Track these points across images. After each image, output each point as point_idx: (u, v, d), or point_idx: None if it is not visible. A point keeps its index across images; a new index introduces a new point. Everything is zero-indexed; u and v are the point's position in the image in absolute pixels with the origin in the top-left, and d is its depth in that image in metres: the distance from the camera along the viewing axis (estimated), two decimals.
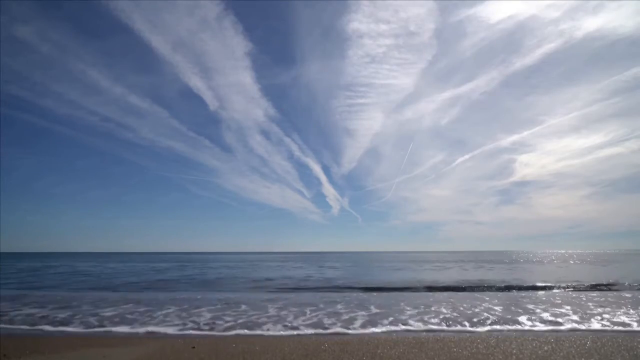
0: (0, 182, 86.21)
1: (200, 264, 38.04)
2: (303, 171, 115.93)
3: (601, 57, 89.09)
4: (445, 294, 12.34)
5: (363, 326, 7.25)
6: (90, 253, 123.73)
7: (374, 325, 7.31)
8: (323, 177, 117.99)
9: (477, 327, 7.15)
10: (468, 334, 6.46)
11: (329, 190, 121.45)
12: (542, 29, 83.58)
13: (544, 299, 11.05)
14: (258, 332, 6.80)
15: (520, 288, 13.59)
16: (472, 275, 20.61)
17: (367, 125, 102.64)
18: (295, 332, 6.72)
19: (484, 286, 14.04)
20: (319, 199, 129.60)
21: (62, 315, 8.48)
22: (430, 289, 13.58)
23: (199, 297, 11.63)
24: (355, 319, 7.92)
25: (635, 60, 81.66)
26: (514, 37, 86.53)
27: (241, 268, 30.24)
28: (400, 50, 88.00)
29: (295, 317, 8.10)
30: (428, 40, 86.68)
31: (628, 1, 73.23)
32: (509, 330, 6.83)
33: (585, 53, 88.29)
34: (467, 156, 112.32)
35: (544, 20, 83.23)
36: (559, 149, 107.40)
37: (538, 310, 8.88)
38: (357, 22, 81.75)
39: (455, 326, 7.18)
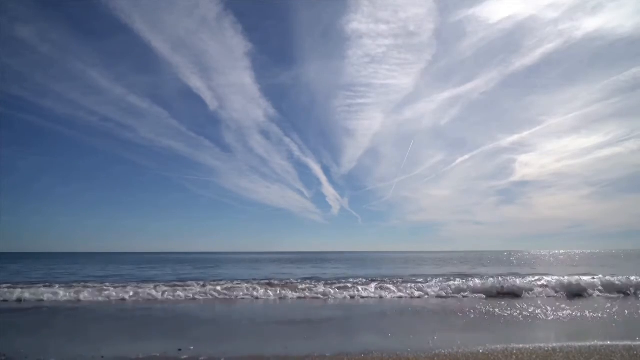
0: (0, 182, 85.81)
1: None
2: (303, 171, 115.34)
3: (601, 57, 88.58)
4: None
5: None
6: (90, 253, 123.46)
7: None
8: (323, 177, 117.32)
9: None
10: None
11: (328, 190, 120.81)
12: (542, 29, 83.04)
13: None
14: None
15: None
16: None
17: (367, 125, 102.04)
18: None
19: None
20: (319, 199, 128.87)
21: None
22: None
23: None
24: None
25: (635, 60, 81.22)
26: (514, 37, 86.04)
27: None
28: (400, 50, 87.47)
29: None
30: (428, 40, 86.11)
31: (627, 1, 72.90)
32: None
33: (584, 53, 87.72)
34: (467, 156, 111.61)
35: (543, 21, 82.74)
36: (558, 149, 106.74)
37: None
38: (357, 22, 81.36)
39: None
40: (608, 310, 9.01)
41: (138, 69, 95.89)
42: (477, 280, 13.90)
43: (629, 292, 12.34)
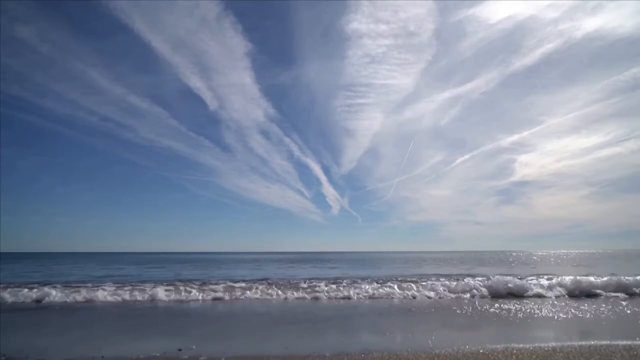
0: (0, 182, 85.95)
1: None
2: (303, 171, 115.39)
3: (601, 57, 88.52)
4: None
5: None
6: (90, 253, 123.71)
7: None
8: (323, 177, 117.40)
9: None
10: None
11: (328, 190, 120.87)
12: (542, 29, 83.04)
13: None
14: None
15: None
16: None
17: (367, 125, 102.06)
18: None
19: None
20: (319, 199, 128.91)
21: None
22: None
23: None
24: None
25: (635, 60, 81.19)
26: (514, 37, 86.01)
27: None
28: (399, 50, 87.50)
29: None
30: (428, 40, 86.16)
31: (627, 1, 72.92)
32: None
33: (584, 53, 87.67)
34: (467, 156, 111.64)
35: (543, 21, 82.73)
36: (558, 149, 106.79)
37: None
38: (357, 22, 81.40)
39: None
40: (609, 310, 9.01)
41: (138, 69, 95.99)
42: (477, 280, 13.89)
43: (630, 291, 12.32)
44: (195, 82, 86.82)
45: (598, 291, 12.25)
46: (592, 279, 13.38)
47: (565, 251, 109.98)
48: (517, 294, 12.02)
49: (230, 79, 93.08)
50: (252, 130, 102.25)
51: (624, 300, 10.91)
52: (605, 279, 13.42)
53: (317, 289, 12.93)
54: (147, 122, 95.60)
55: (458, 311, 9.17)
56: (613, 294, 12.04)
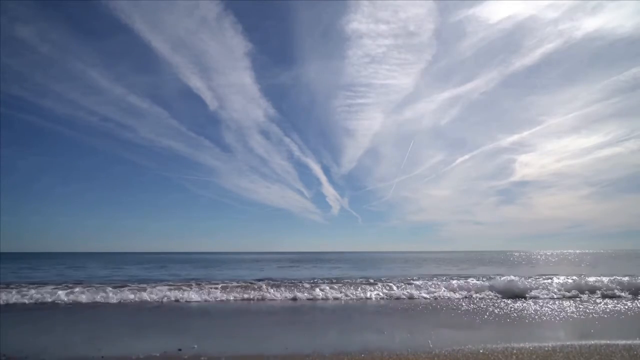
0: (0, 182, 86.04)
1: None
2: (303, 171, 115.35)
3: (601, 57, 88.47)
4: None
5: None
6: (90, 253, 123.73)
7: None
8: (323, 177, 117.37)
9: None
10: None
11: (328, 190, 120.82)
12: (542, 29, 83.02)
13: None
14: None
15: None
16: None
17: (367, 125, 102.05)
18: None
19: None
20: (319, 199, 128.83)
21: None
22: None
23: None
24: None
25: (635, 60, 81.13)
26: (514, 37, 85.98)
27: None
28: (399, 50, 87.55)
29: None
30: (428, 40, 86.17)
31: (627, 1, 72.92)
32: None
33: (584, 53, 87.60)
34: (467, 156, 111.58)
35: (543, 21, 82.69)
36: (558, 149, 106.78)
37: None
38: (357, 22, 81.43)
39: None
40: (609, 310, 9.01)
41: (138, 69, 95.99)
42: (477, 280, 13.89)
43: (630, 291, 12.32)
44: (195, 82, 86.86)
45: (598, 291, 12.24)
46: (592, 278, 13.38)
47: (565, 251, 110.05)
48: (517, 294, 12.03)
49: (230, 79, 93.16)
50: (252, 130, 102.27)
51: (625, 300, 10.91)
52: (605, 279, 13.43)
53: (317, 289, 12.93)
54: (147, 122, 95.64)
55: (458, 311, 9.18)
56: (613, 294, 12.04)
